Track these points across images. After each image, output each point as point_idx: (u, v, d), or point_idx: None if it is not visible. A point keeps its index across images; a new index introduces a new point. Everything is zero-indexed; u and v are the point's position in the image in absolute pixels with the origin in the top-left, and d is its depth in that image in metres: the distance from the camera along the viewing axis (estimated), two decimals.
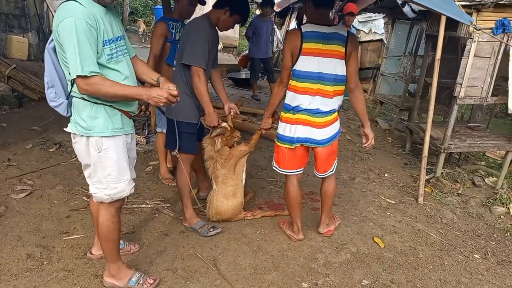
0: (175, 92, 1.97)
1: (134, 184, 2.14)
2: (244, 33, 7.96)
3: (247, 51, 8.39)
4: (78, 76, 1.76)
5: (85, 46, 1.75)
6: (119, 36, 1.98)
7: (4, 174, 3.47)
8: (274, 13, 8.63)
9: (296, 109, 2.58)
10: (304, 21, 2.56)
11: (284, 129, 2.67)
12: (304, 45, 2.46)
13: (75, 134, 1.96)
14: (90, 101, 1.90)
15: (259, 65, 6.88)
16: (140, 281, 2.26)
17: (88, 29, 1.75)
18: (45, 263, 2.44)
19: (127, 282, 2.24)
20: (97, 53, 1.82)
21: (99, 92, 1.85)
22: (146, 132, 4.59)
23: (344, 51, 2.50)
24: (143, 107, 5.21)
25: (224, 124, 2.87)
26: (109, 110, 1.95)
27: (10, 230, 2.72)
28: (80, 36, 1.73)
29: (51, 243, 2.64)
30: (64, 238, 2.67)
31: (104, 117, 1.94)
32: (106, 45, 1.86)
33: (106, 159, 1.98)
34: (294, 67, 2.53)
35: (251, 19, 6.96)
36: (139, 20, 14.92)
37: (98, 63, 1.83)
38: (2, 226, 2.75)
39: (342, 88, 2.61)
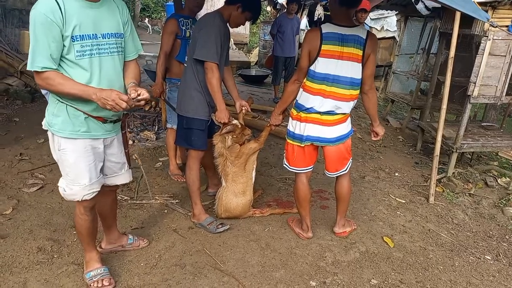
0: (124, 97, 1.80)
1: (94, 191, 2.04)
2: (254, 30, 7.90)
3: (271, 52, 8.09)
4: (34, 70, 1.75)
5: (41, 40, 1.72)
6: (110, 34, 1.91)
7: (16, 168, 3.52)
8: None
9: (309, 111, 2.56)
10: (316, 17, 2.53)
11: (295, 126, 2.66)
12: (323, 47, 2.42)
13: None
14: (55, 98, 1.88)
15: (283, 65, 6.61)
16: (95, 278, 2.22)
17: (47, 24, 1.70)
18: (55, 256, 2.47)
19: (86, 273, 2.26)
20: (64, 47, 1.77)
21: (51, 88, 1.81)
22: (156, 128, 4.61)
23: (361, 54, 2.45)
24: (153, 103, 5.26)
25: (235, 121, 2.86)
26: (71, 110, 1.89)
27: (22, 223, 2.76)
28: (36, 30, 1.71)
29: (61, 236, 2.67)
30: (74, 232, 2.69)
31: (64, 117, 1.90)
32: (77, 41, 1.79)
33: (64, 159, 1.96)
34: (311, 68, 2.50)
35: (272, 16, 6.80)
36: (145, 17, 14.99)
37: (67, 59, 1.80)
38: (13, 220, 2.79)
39: (357, 92, 2.58)
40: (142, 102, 1.91)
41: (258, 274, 2.49)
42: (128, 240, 2.58)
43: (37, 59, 1.73)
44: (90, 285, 2.22)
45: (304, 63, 2.52)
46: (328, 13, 7.64)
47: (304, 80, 2.56)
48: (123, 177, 2.26)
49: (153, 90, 3.50)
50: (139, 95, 1.88)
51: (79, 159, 1.96)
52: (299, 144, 2.66)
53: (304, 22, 8.50)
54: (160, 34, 14.79)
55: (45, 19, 1.70)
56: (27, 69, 1.79)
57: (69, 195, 2.03)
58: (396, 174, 4.31)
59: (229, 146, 2.86)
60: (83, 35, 1.81)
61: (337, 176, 2.80)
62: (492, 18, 3.48)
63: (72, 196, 2.03)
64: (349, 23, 2.46)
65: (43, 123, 1.99)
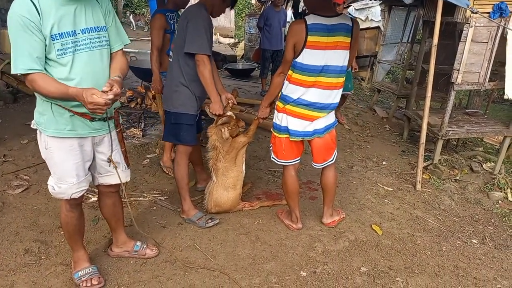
0: (99, 94, 1.71)
1: (82, 189, 2.03)
2: (239, 24, 7.83)
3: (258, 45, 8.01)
4: (20, 74, 1.71)
5: (20, 42, 1.67)
6: (90, 28, 1.86)
7: (0, 170, 3.45)
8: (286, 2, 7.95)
9: (296, 102, 2.56)
10: (301, 9, 2.54)
11: (281, 119, 2.65)
12: (309, 38, 2.41)
13: None
14: (40, 96, 1.86)
15: (270, 58, 6.59)
16: (83, 277, 2.20)
17: (25, 25, 1.65)
18: (43, 257, 2.44)
19: (74, 273, 2.24)
20: (45, 46, 1.73)
21: (40, 91, 1.76)
22: (143, 125, 4.56)
23: (349, 41, 2.47)
24: (138, 99, 5.19)
25: (229, 112, 2.84)
26: (55, 108, 1.86)
27: (8, 225, 2.72)
28: (15, 33, 1.67)
29: (48, 237, 2.64)
30: (61, 233, 2.65)
31: (49, 116, 1.87)
32: (56, 39, 1.74)
33: (50, 157, 1.95)
34: (296, 59, 2.49)
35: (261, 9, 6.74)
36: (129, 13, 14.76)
37: (48, 58, 1.76)
38: None
39: (343, 79, 2.60)
40: (113, 97, 1.77)
41: (248, 266, 2.49)
42: (134, 247, 2.49)
43: (19, 61, 1.69)
44: (79, 285, 2.20)
45: (289, 55, 2.51)
46: None
47: (290, 72, 2.56)
48: (116, 177, 2.16)
49: (153, 87, 3.47)
50: (110, 90, 1.76)
51: (65, 158, 1.93)
52: (286, 136, 2.67)
53: (289, 14, 8.47)
54: (144, 30, 14.52)
55: (22, 19, 1.65)
56: (12, 73, 1.74)
57: (57, 194, 2.01)
58: (384, 163, 4.36)
59: (227, 138, 2.83)
60: (62, 33, 1.76)
61: (322, 168, 2.81)
62: (473, 5, 3.51)
63: (61, 194, 2.01)
64: (333, 13, 2.46)
65: (32, 122, 1.97)
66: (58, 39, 1.75)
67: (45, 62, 1.78)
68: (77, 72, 1.84)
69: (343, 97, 4.96)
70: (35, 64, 1.71)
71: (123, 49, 2.10)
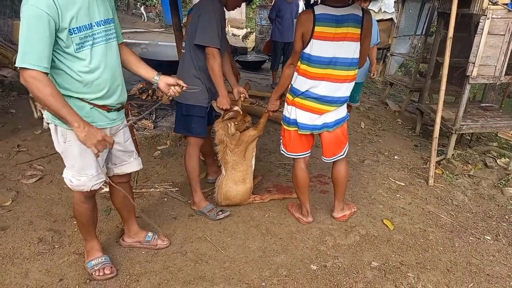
0: (110, 140, 1.81)
1: (101, 180, 2.04)
2: (250, 16, 7.76)
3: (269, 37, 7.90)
4: (20, 67, 1.64)
5: (34, 36, 1.62)
6: (103, 20, 1.85)
7: (14, 160, 3.50)
8: None
9: (305, 95, 2.53)
10: (312, 0, 2.49)
11: (290, 112, 2.63)
12: (317, 28, 2.37)
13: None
14: (59, 89, 1.79)
15: (281, 50, 6.53)
16: (96, 267, 2.24)
17: (44, 20, 1.62)
18: (56, 246, 2.48)
19: (87, 262, 2.27)
20: (61, 40, 1.70)
21: (35, 92, 1.67)
22: (154, 116, 4.58)
23: (359, 32, 2.41)
24: (150, 91, 5.21)
25: (236, 107, 2.83)
26: (76, 102, 1.84)
27: (22, 214, 2.76)
28: (30, 26, 1.62)
29: (62, 227, 2.67)
30: (74, 222, 2.69)
31: None
32: (75, 33, 1.72)
33: (70, 150, 1.93)
34: (305, 51, 2.46)
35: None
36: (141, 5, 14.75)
37: (66, 53, 1.74)
38: (13, 211, 2.79)
39: (355, 72, 2.54)
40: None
41: (259, 259, 2.50)
42: (146, 237, 2.51)
43: (29, 55, 1.62)
44: (92, 274, 2.23)
45: (298, 46, 2.49)
46: None
47: (299, 64, 2.53)
48: (132, 165, 2.24)
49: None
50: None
51: (85, 150, 1.92)
52: (295, 129, 2.65)
53: (301, 6, 8.38)
54: (156, 22, 14.52)
55: (40, 13, 1.61)
56: (15, 65, 1.69)
57: (77, 186, 2.02)
58: (396, 157, 4.31)
59: (233, 134, 2.82)
60: (80, 27, 1.75)
61: (334, 161, 2.79)
62: None
63: (81, 187, 2.02)
64: (343, 3, 2.42)
65: (44, 116, 1.96)
66: (76, 33, 1.74)
67: (63, 56, 1.76)
68: (97, 65, 1.85)
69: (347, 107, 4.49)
70: (44, 62, 1.66)
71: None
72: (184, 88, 2.12)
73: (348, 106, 4.32)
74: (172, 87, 2.10)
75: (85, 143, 1.79)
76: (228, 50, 3.09)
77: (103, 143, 1.80)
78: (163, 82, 2.09)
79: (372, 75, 4.51)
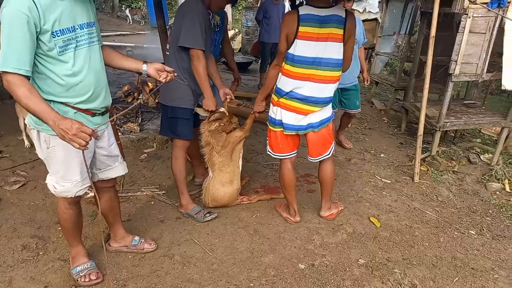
0: (88, 130, 1.65)
1: (86, 186, 2.01)
2: (236, 17, 7.78)
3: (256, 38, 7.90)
4: (2, 71, 1.61)
5: (16, 39, 1.60)
6: (86, 24, 1.84)
7: None
8: None
9: (290, 95, 2.54)
10: (298, 1, 2.50)
11: (276, 113, 2.64)
12: (301, 29, 2.39)
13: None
14: (42, 94, 1.76)
15: (269, 51, 6.56)
16: (82, 273, 2.21)
17: (24, 22, 1.59)
18: (41, 253, 2.44)
19: (72, 268, 2.25)
20: (45, 46, 1.68)
21: (13, 94, 1.65)
22: (140, 119, 4.54)
23: (342, 33, 2.43)
24: (135, 94, 5.16)
25: (222, 108, 2.83)
26: (59, 106, 1.81)
27: (5, 221, 2.71)
28: (11, 29, 1.59)
29: (46, 233, 2.64)
30: (59, 228, 2.65)
31: None
32: (57, 36, 1.71)
33: (53, 156, 1.91)
34: (289, 51, 2.47)
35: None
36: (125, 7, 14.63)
37: (49, 56, 1.72)
38: None
39: (339, 73, 2.55)
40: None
41: (247, 260, 2.50)
42: (132, 241, 2.50)
43: (10, 58, 1.61)
44: (78, 280, 2.20)
45: (282, 46, 2.50)
46: None
47: (283, 64, 2.54)
48: (117, 170, 2.22)
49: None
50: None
51: (69, 156, 1.90)
52: (281, 130, 2.66)
53: (287, 7, 8.41)
54: (141, 24, 14.35)
55: (21, 16, 1.59)
56: None
57: (61, 192, 1.99)
58: (382, 155, 4.35)
59: (210, 131, 2.81)
60: (63, 30, 1.73)
61: (320, 161, 2.81)
62: None
63: (65, 193, 1.99)
64: (327, 4, 2.44)
65: (26, 121, 1.93)
66: (59, 35, 1.72)
67: (45, 60, 1.73)
68: (80, 68, 1.83)
69: (349, 116, 4.34)
70: (26, 66, 1.64)
71: None
72: (172, 73, 2.08)
73: (351, 117, 4.34)
74: (162, 73, 2.07)
75: (63, 139, 1.69)
76: (230, 52, 3.07)
77: (82, 135, 1.64)
78: (152, 68, 2.06)
79: (365, 82, 4.52)
